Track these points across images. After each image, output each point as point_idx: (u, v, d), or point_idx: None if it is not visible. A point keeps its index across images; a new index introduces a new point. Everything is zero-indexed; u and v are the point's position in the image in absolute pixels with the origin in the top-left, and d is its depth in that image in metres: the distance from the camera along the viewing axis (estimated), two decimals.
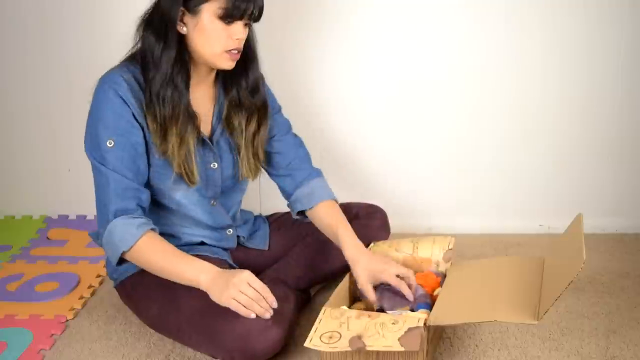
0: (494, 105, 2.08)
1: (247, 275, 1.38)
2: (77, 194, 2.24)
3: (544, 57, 2.03)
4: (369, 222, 1.74)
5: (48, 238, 2.14)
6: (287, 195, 1.69)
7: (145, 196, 1.47)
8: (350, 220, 1.65)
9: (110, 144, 1.43)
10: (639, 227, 2.11)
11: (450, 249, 1.61)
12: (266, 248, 1.73)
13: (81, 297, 1.77)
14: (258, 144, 1.59)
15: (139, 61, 1.46)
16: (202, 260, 1.44)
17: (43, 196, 2.27)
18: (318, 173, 1.69)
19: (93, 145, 1.45)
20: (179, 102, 1.44)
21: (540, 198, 2.13)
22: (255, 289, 1.36)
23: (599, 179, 2.11)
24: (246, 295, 1.35)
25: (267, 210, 1.85)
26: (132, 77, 1.45)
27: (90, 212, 2.24)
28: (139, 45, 1.47)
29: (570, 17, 1.99)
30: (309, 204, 1.63)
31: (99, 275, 1.88)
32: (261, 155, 1.61)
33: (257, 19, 1.46)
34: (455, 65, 2.06)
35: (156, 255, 1.43)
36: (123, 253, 1.43)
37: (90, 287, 1.82)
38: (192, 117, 1.48)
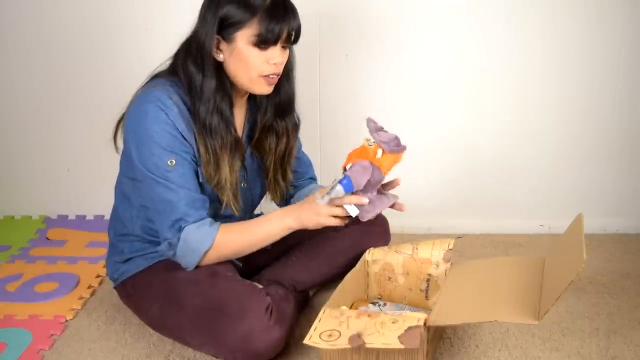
0: (494, 105, 2.08)
1: (319, 211, 1.42)
2: (77, 194, 2.25)
3: (544, 57, 2.03)
4: (370, 227, 1.74)
5: (47, 238, 2.14)
6: (285, 198, 1.71)
7: (208, 203, 1.48)
8: (350, 225, 1.66)
9: (171, 163, 1.42)
10: (639, 228, 2.11)
11: (450, 249, 1.61)
12: (268, 247, 1.72)
13: (80, 298, 1.77)
14: (287, 165, 1.61)
15: (182, 82, 1.45)
16: (271, 214, 1.49)
17: (42, 196, 2.27)
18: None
19: (151, 165, 1.43)
20: (227, 131, 1.45)
21: (540, 198, 2.13)
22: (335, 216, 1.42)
23: (600, 179, 2.11)
24: (330, 221, 1.43)
25: (266, 210, 1.85)
26: (180, 99, 1.44)
27: (90, 212, 2.24)
28: (181, 70, 1.45)
29: (570, 18, 1.99)
30: (309, 194, 1.66)
31: (98, 276, 1.88)
32: (290, 176, 1.63)
33: (294, 41, 1.46)
34: (455, 66, 2.06)
35: (241, 239, 1.48)
36: (206, 253, 1.45)
37: (89, 287, 1.82)
38: (238, 144, 1.49)
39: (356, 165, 1.40)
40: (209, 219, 1.46)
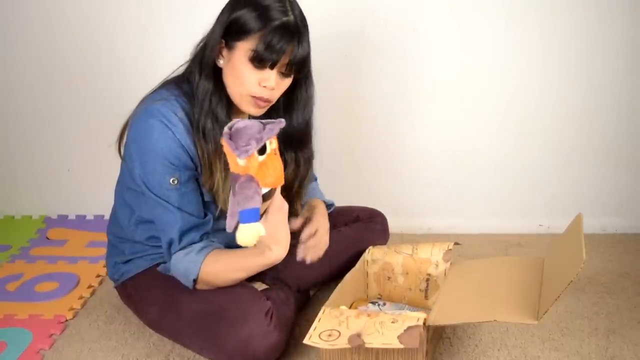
0: (494, 105, 2.08)
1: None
2: (77, 194, 2.25)
3: (544, 57, 2.03)
4: (369, 225, 1.74)
5: (47, 238, 2.14)
6: None
7: (209, 225, 1.45)
8: (351, 223, 1.66)
9: (173, 182, 1.39)
10: (638, 227, 2.11)
11: (450, 249, 1.62)
12: None
13: (81, 297, 1.77)
14: (295, 197, 1.55)
15: (187, 90, 1.42)
16: (253, 250, 1.37)
17: (42, 196, 2.27)
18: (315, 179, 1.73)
19: (153, 182, 1.40)
20: (221, 135, 1.40)
21: (540, 198, 2.13)
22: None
23: (599, 179, 2.11)
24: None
25: None
26: (185, 114, 1.40)
27: (90, 212, 2.24)
28: (188, 74, 1.43)
29: (569, 19, 1.99)
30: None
31: (98, 275, 1.88)
32: (298, 209, 1.57)
33: (295, 72, 1.39)
34: (454, 66, 2.06)
35: (224, 274, 1.41)
36: (194, 281, 1.41)
37: (89, 287, 1.82)
38: None
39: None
40: (199, 245, 1.42)
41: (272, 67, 1.36)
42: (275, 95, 1.41)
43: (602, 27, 1.99)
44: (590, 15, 1.98)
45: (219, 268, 1.41)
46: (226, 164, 1.38)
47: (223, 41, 1.38)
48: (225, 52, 1.39)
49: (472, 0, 1.99)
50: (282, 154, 1.49)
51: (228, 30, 1.37)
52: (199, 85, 1.40)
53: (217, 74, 1.41)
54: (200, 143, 1.40)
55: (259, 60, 1.34)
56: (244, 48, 1.35)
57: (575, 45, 2.01)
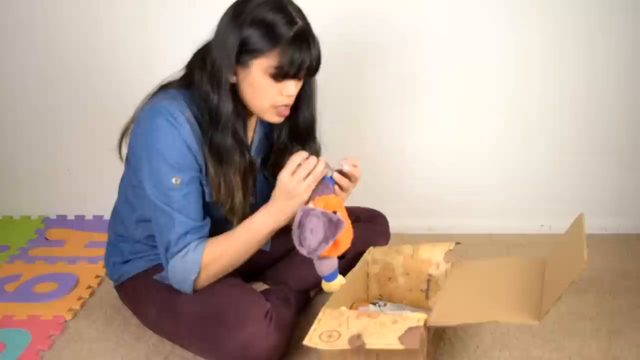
0: (495, 105, 2.08)
1: (286, 182, 1.37)
2: (76, 195, 2.25)
3: (544, 57, 2.02)
4: (370, 226, 1.74)
5: (46, 238, 2.14)
6: None
7: (207, 228, 1.43)
8: (351, 223, 1.65)
9: (176, 181, 1.38)
10: None
11: (451, 250, 1.61)
12: (268, 249, 1.72)
13: (80, 298, 1.76)
14: None
15: (196, 97, 1.40)
16: (253, 221, 1.42)
17: (41, 196, 2.27)
18: None
19: (155, 181, 1.39)
20: (240, 154, 1.41)
21: (541, 198, 2.13)
22: (303, 177, 1.37)
23: (601, 179, 2.10)
24: (305, 184, 1.37)
25: None
26: (192, 115, 1.39)
27: (89, 212, 2.24)
28: (196, 86, 1.40)
29: (570, 17, 1.99)
30: None
31: (97, 276, 1.88)
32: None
33: (313, 73, 1.41)
34: (455, 65, 2.05)
35: (228, 254, 1.42)
36: (196, 280, 1.41)
37: (88, 287, 1.82)
38: (252, 167, 1.45)
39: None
40: (193, 244, 1.40)
41: (293, 78, 1.37)
42: (294, 98, 1.42)
43: (603, 26, 1.98)
44: (591, 14, 1.98)
45: (222, 245, 1.41)
46: (245, 182, 1.42)
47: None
48: (239, 68, 1.37)
49: None
50: (288, 148, 1.51)
51: (239, 49, 1.35)
52: (219, 107, 1.38)
53: (232, 92, 1.39)
54: (219, 166, 1.39)
55: (282, 76, 1.35)
56: (261, 65, 1.35)
57: (576, 45, 2.01)
